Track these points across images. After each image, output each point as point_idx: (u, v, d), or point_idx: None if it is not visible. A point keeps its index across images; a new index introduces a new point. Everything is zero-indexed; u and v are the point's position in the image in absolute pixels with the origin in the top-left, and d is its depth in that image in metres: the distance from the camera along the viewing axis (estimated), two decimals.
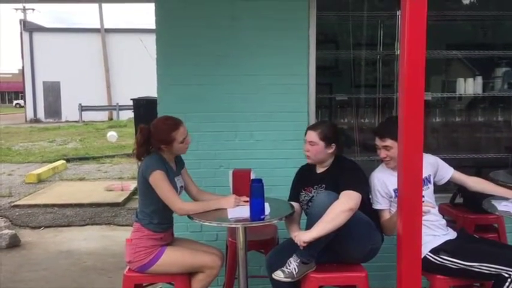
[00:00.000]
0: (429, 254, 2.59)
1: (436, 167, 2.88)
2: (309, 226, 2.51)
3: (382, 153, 2.76)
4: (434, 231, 2.69)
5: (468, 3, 4.65)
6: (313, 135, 2.75)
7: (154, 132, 2.76)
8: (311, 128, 2.82)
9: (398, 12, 3.85)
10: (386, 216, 2.75)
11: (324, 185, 2.74)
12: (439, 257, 2.56)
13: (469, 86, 4.07)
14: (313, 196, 2.76)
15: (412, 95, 2.10)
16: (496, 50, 4.14)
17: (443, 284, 2.59)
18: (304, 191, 2.84)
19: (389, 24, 4.23)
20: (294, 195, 2.92)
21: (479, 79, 4.09)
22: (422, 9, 2.03)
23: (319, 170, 2.84)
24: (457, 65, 4.64)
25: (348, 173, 2.66)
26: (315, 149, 2.75)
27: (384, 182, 2.76)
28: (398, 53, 3.53)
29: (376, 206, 2.77)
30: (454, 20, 4.41)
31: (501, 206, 2.63)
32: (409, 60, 2.07)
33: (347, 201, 2.46)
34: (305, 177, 2.89)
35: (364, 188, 2.65)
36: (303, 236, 2.43)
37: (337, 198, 2.49)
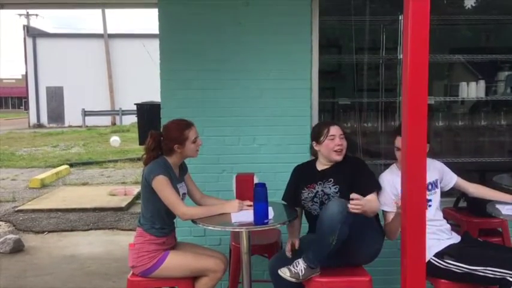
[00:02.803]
0: (433, 258, 2.58)
1: (442, 173, 2.89)
2: (318, 230, 2.48)
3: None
4: (438, 235, 2.69)
5: (471, 7, 4.66)
6: (341, 129, 2.82)
7: (166, 133, 2.79)
8: (334, 123, 2.87)
9: (400, 17, 3.86)
10: (391, 218, 2.75)
11: (331, 179, 2.75)
12: (443, 261, 2.56)
13: (472, 90, 4.07)
14: (317, 192, 2.76)
15: (415, 99, 2.10)
16: (498, 54, 4.14)
17: None
18: (307, 189, 2.82)
19: (391, 28, 4.24)
20: (292, 195, 2.90)
21: (482, 83, 4.09)
22: (425, 13, 2.04)
23: (322, 166, 2.84)
24: (460, 69, 4.65)
25: (366, 173, 2.78)
26: (345, 143, 2.81)
27: (394, 184, 2.74)
28: (401, 57, 3.54)
29: (383, 208, 2.77)
30: (456, 24, 4.42)
31: (505, 210, 2.63)
32: (412, 64, 2.08)
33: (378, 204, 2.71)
34: (305, 175, 2.88)
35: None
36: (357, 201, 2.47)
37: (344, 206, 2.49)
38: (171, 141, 2.75)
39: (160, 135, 2.80)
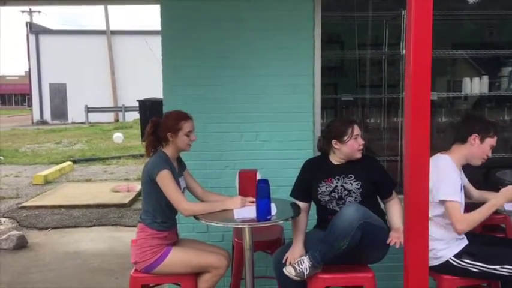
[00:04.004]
0: (452, 258, 2.57)
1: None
2: (330, 233, 2.49)
3: (490, 153, 2.68)
4: (458, 235, 2.65)
5: (474, 2, 4.63)
6: (359, 129, 2.81)
7: (164, 120, 2.84)
8: (355, 122, 2.83)
9: (403, 12, 3.85)
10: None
11: (351, 175, 2.75)
12: (461, 260, 2.56)
13: (475, 86, 4.06)
14: (336, 186, 2.76)
15: (418, 94, 2.09)
16: (502, 49, 4.12)
17: (451, 284, 2.59)
18: (324, 182, 2.80)
19: (394, 24, 4.22)
20: (303, 189, 2.90)
21: (485, 78, 4.07)
22: (428, 8, 2.02)
23: (336, 161, 2.84)
24: (463, 65, 4.63)
25: (385, 172, 2.88)
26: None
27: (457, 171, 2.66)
28: (404, 52, 3.53)
29: (454, 198, 2.55)
30: (459, 19, 4.39)
31: (508, 206, 2.62)
32: (415, 60, 2.06)
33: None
34: (320, 170, 2.86)
35: None
36: (398, 234, 2.59)
37: (365, 211, 2.51)
38: (166, 129, 2.80)
39: (159, 122, 2.85)
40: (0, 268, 4.68)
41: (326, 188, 2.80)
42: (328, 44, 3.84)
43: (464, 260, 2.55)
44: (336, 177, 2.78)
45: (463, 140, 2.64)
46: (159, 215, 2.78)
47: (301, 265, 2.50)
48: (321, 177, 2.82)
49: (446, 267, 2.57)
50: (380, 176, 2.82)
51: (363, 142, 2.79)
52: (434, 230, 2.55)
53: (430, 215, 2.56)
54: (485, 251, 2.58)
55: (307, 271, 2.48)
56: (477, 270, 2.52)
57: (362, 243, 2.48)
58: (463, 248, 2.60)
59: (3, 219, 6.67)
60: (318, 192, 2.81)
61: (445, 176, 2.55)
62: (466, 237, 2.66)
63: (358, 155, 2.79)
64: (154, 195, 2.75)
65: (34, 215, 6.88)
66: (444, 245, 2.57)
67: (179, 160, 2.96)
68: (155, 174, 2.68)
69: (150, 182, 2.73)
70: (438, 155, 2.69)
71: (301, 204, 2.87)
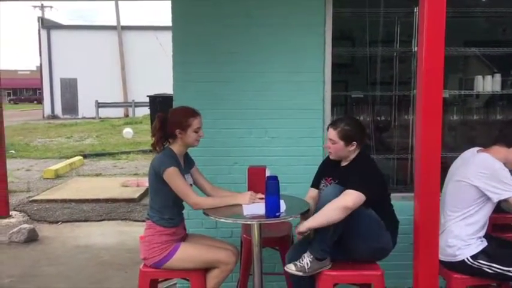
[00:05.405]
0: (469, 258, 2.55)
1: None
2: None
3: None
4: (482, 237, 2.63)
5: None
6: (333, 134, 2.72)
7: (171, 116, 2.81)
8: (332, 125, 2.78)
9: (415, 9, 3.81)
10: None
11: (337, 181, 2.73)
12: (477, 261, 2.54)
13: (487, 84, 4.01)
14: None
15: (430, 92, 2.08)
16: None
17: (461, 283, 2.58)
18: (324, 180, 2.85)
19: (406, 21, 4.18)
20: (316, 182, 2.95)
21: (498, 76, 4.03)
22: (442, 6, 2.01)
23: (343, 163, 2.82)
24: (475, 63, 4.58)
25: (358, 173, 2.61)
26: (335, 147, 2.73)
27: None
28: (416, 50, 3.50)
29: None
30: (472, 16, 4.35)
31: None
32: (427, 57, 2.05)
33: (343, 199, 2.47)
34: (330, 167, 2.88)
35: (372, 188, 2.54)
36: (299, 226, 2.54)
37: (342, 189, 2.52)
38: (174, 125, 2.77)
39: (166, 118, 2.82)
40: (11, 261, 4.74)
41: (323, 186, 2.84)
42: (338, 41, 3.81)
43: (480, 261, 2.53)
44: (335, 180, 2.77)
45: (510, 144, 2.60)
46: (167, 212, 2.78)
47: (302, 261, 2.52)
48: (325, 174, 2.87)
49: (460, 266, 2.55)
50: (353, 174, 2.64)
51: (328, 146, 2.77)
52: (459, 229, 2.55)
53: (459, 214, 2.56)
54: (502, 252, 2.57)
55: (309, 265, 2.49)
56: (492, 271, 2.51)
57: (350, 229, 2.48)
58: (481, 250, 2.57)
59: (14, 213, 6.73)
60: (319, 187, 2.88)
61: (503, 175, 2.51)
62: (485, 240, 2.63)
63: (331, 156, 2.81)
64: (161, 193, 2.76)
65: (45, 208, 6.94)
66: (465, 245, 2.55)
67: (186, 157, 2.95)
68: (162, 171, 2.68)
69: (157, 179, 2.73)
70: (480, 153, 2.63)
71: (311, 189, 2.95)
